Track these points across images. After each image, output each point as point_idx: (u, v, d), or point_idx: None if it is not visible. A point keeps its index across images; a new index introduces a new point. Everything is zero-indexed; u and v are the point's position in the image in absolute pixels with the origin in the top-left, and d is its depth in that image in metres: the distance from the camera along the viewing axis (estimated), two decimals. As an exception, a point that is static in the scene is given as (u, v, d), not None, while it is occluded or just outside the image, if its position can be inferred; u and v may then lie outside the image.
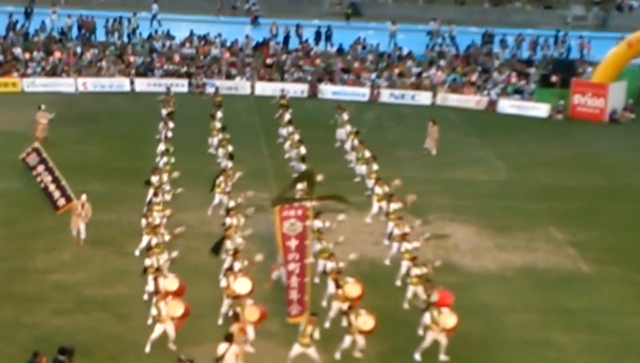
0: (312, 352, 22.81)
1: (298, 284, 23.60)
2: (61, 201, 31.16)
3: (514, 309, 27.32)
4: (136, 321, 25.20)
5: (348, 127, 41.48)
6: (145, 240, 28.47)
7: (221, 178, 33.14)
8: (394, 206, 31.16)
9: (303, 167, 35.02)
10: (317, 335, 22.91)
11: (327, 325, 24.72)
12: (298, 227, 23.32)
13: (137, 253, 28.93)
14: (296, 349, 22.81)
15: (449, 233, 32.51)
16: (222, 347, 21.71)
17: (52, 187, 31.26)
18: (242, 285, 24.48)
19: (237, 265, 25.70)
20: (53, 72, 52.71)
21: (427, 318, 23.96)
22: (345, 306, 24.06)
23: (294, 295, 23.74)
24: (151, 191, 31.90)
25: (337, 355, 23.59)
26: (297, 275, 23.57)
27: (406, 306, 26.45)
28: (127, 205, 33.73)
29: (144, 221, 29.26)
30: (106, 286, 27.38)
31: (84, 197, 30.57)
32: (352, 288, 24.90)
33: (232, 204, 30.52)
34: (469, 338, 24.32)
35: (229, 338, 21.86)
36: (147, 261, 26.35)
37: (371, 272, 27.34)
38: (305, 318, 23.09)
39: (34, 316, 25.23)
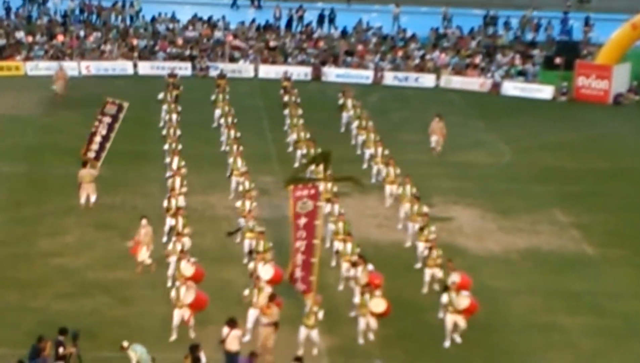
0: (314, 334, 22.84)
1: (303, 262, 23.59)
2: (92, 154, 32.66)
3: (518, 292, 27.32)
4: (140, 305, 25.27)
5: (351, 112, 41.36)
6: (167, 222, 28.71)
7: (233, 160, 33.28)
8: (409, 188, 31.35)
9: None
10: (321, 315, 22.97)
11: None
12: (309, 206, 23.36)
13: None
14: (303, 332, 22.84)
15: (453, 216, 32.47)
16: (225, 330, 21.84)
17: (97, 139, 32.82)
18: (266, 271, 24.69)
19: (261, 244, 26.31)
20: (56, 56, 52.61)
21: (445, 298, 24.06)
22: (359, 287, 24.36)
23: (298, 272, 23.75)
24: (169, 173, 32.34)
25: (361, 340, 23.68)
26: (302, 252, 23.57)
27: (425, 290, 26.53)
28: (130, 189, 33.77)
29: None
30: (110, 270, 27.40)
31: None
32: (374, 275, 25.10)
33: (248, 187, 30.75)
34: (473, 321, 24.23)
35: (231, 322, 21.91)
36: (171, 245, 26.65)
37: (375, 255, 27.28)
38: (312, 299, 23.09)
39: (38, 301, 25.27)
